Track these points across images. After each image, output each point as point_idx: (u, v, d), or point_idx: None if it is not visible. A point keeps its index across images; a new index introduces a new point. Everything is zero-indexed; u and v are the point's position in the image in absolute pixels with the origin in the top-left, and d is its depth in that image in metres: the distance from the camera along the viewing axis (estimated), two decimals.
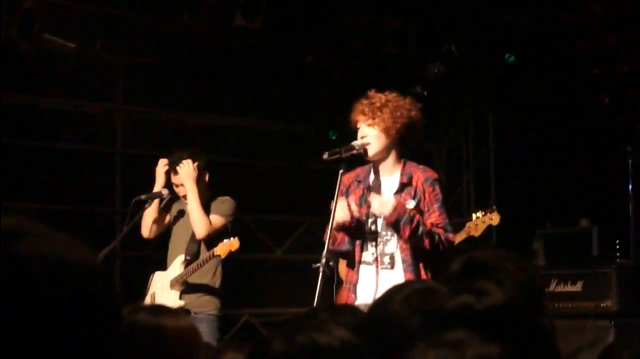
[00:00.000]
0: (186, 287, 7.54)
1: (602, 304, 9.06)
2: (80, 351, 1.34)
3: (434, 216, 5.85)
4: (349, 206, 5.80)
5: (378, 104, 5.87)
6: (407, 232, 5.71)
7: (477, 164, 12.42)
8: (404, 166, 5.94)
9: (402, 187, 5.90)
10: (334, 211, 5.72)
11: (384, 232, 5.89)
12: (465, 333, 1.59)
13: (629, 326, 8.84)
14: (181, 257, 7.60)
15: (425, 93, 11.05)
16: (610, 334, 8.83)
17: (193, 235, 7.57)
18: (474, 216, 8.09)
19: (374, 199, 5.82)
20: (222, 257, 7.31)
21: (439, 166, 12.06)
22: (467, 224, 8.03)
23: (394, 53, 10.94)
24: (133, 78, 10.54)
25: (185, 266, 7.52)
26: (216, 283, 7.58)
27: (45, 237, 1.36)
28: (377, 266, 5.87)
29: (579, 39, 11.01)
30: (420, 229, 5.74)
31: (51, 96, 10.24)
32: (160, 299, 7.49)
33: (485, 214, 7.96)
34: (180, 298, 7.51)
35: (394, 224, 5.74)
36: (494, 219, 7.88)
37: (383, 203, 5.77)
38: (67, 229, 1.40)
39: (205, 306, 7.53)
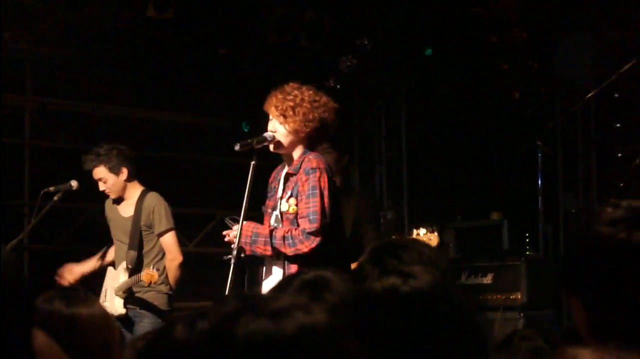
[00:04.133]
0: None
1: (511, 297, 9.18)
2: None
3: (301, 205, 5.79)
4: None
5: (292, 104, 5.76)
6: (267, 251, 5.77)
7: (390, 158, 12.46)
8: (302, 158, 5.87)
9: (287, 178, 5.91)
10: (246, 204, 5.73)
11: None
12: (289, 301, 1.56)
13: (538, 318, 8.97)
14: (124, 264, 7.62)
15: (339, 86, 11.06)
16: (519, 326, 8.95)
17: (131, 242, 7.61)
18: (414, 232, 8.05)
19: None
20: (145, 284, 7.38)
21: (351, 160, 12.06)
22: None
23: (308, 46, 10.94)
24: (43, 69, 10.37)
25: (129, 275, 7.53)
26: (161, 279, 7.55)
27: None
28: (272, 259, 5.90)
29: (490, 34, 11.11)
30: (274, 242, 5.73)
31: None
32: (109, 301, 7.56)
33: (426, 233, 7.94)
34: (125, 306, 7.54)
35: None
36: (433, 240, 7.86)
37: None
38: None
39: (150, 303, 7.51)
